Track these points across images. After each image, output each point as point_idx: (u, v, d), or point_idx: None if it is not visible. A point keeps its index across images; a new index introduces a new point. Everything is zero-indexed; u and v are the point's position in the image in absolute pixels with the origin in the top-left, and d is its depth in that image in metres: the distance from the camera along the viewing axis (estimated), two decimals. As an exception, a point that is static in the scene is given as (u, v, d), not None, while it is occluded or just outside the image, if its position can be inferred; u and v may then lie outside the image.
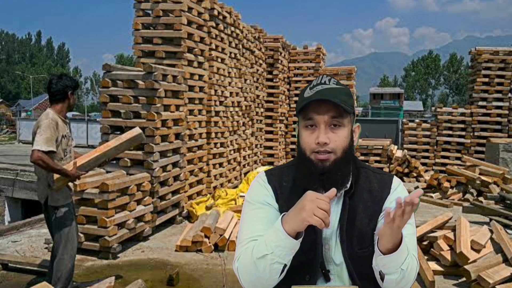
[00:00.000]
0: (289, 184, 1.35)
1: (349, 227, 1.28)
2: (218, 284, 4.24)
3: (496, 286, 3.79)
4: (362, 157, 10.18)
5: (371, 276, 1.26)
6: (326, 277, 1.29)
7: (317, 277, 1.30)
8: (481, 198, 7.27)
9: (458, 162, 10.53)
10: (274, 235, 1.18)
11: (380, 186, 1.34)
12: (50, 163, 3.23)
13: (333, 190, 1.15)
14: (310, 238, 1.29)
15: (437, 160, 11.31)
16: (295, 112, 11.29)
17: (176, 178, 6.06)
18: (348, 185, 1.29)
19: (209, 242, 5.03)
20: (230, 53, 8.04)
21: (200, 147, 6.92)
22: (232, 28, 8.09)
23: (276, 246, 1.17)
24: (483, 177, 7.74)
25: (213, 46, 7.24)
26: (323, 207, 1.11)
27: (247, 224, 1.31)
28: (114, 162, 5.40)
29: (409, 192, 1.44)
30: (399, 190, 1.34)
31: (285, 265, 1.20)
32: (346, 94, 1.26)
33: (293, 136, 11.61)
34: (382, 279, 1.21)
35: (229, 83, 7.98)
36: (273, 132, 10.88)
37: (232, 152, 8.30)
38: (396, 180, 1.36)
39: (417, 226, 4.67)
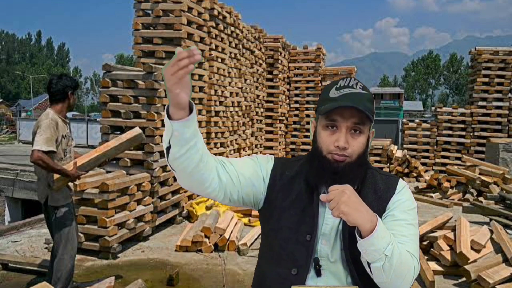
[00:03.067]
0: (291, 174, 1.37)
1: (352, 226, 1.28)
2: (218, 284, 4.24)
3: (496, 286, 3.79)
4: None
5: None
6: (318, 272, 1.29)
7: (306, 272, 1.29)
8: (481, 198, 7.27)
9: (458, 162, 10.54)
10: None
11: (385, 187, 1.35)
12: (50, 163, 3.23)
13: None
14: (305, 232, 1.29)
15: (437, 160, 11.31)
16: (295, 112, 11.48)
17: (176, 178, 6.05)
18: (355, 186, 1.30)
19: (209, 242, 5.03)
20: (230, 53, 8.04)
21: (200, 147, 6.91)
22: (232, 28, 8.09)
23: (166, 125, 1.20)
24: (483, 177, 7.74)
25: (213, 46, 7.24)
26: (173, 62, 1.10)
27: (236, 160, 1.38)
28: (114, 162, 5.40)
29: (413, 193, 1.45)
30: (403, 192, 1.35)
31: (169, 148, 1.20)
32: (370, 100, 1.28)
33: (293, 136, 11.61)
34: (372, 271, 1.21)
35: (229, 83, 7.98)
36: (273, 132, 10.88)
37: (232, 152, 8.30)
38: (401, 182, 1.37)
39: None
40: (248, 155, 9.27)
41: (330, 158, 1.26)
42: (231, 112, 8.09)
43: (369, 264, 1.19)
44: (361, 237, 1.16)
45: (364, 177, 1.34)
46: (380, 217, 1.28)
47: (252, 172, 1.35)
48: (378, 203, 1.31)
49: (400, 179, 1.39)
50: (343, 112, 1.24)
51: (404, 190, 1.35)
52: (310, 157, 1.34)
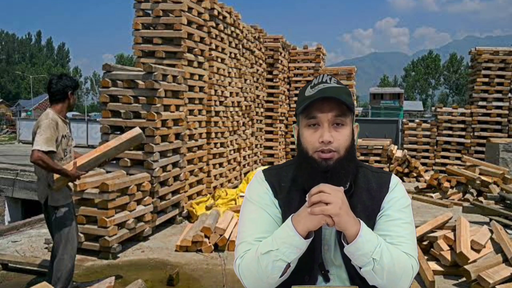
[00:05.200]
0: (288, 184, 1.34)
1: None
2: (218, 284, 4.24)
3: (496, 286, 3.79)
4: (362, 157, 10.18)
5: None
6: (326, 278, 1.29)
7: (316, 278, 1.29)
8: (481, 198, 7.27)
9: (458, 162, 10.53)
10: (282, 232, 1.18)
11: (378, 185, 1.32)
12: (50, 163, 3.23)
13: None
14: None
15: (437, 160, 11.31)
16: (295, 112, 11.41)
17: (176, 178, 6.06)
18: (347, 185, 1.28)
19: (209, 242, 5.03)
20: (230, 53, 8.04)
21: (200, 147, 6.92)
22: (232, 28, 8.09)
23: (282, 243, 1.16)
24: (483, 177, 7.74)
25: (213, 46, 7.24)
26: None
27: (251, 223, 1.30)
28: (114, 162, 5.39)
29: (408, 192, 1.43)
30: (397, 189, 1.33)
31: (289, 265, 1.18)
32: (347, 93, 1.25)
33: (293, 136, 11.59)
34: (363, 275, 1.21)
35: (229, 83, 7.98)
36: (273, 132, 10.88)
37: (232, 152, 8.30)
38: (394, 179, 1.35)
39: (417, 226, 4.68)
40: (248, 155, 9.29)
41: (316, 158, 1.22)
42: (231, 112, 8.09)
43: (360, 268, 1.19)
44: (347, 243, 1.16)
45: (356, 177, 1.31)
46: (375, 217, 1.28)
47: (272, 225, 1.30)
48: (372, 202, 1.29)
49: (393, 175, 1.37)
50: (322, 106, 1.21)
51: (397, 187, 1.33)
52: (298, 162, 1.30)
